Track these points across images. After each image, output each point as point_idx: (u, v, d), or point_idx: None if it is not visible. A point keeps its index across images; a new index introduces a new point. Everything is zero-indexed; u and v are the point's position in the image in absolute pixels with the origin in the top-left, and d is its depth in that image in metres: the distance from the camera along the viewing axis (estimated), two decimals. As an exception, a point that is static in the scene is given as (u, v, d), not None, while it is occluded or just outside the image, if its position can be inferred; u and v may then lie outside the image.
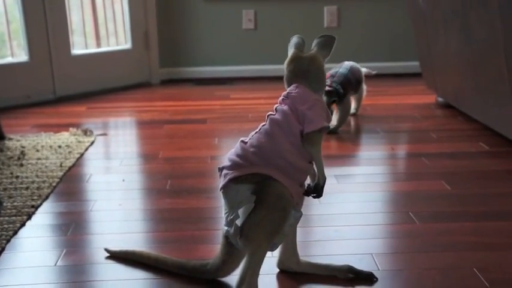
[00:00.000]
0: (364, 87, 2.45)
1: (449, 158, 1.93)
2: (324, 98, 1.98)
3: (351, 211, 1.53)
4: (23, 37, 2.83)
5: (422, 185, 1.69)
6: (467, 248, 1.30)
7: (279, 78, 3.37)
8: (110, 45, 3.27)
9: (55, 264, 1.27)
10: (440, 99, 2.65)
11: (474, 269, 1.20)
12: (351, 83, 2.27)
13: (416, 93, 2.95)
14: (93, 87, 3.10)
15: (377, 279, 1.17)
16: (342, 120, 2.21)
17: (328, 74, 2.13)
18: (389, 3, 3.37)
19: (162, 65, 3.41)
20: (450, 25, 2.19)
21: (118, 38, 3.29)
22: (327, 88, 2.07)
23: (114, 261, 1.28)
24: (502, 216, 1.46)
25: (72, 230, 1.44)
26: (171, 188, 1.72)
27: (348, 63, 2.34)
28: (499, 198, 1.58)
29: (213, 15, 3.40)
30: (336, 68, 2.30)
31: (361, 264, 1.22)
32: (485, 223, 1.43)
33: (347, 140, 2.16)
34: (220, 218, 1.46)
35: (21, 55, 2.88)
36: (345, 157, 2.04)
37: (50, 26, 2.87)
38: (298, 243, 1.22)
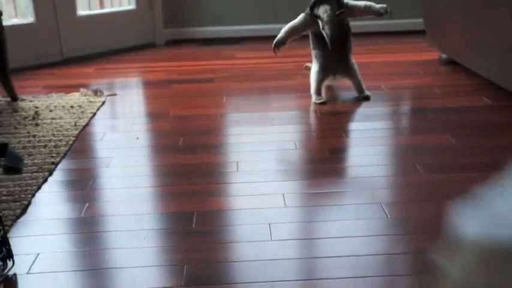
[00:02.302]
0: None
1: (454, 113, 1.98)
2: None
3: (360, 164, 1.60)
4: (29, -1, 2.83)
5: (427, 139, 1.75)
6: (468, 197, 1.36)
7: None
8: (114, 6, 3.26)
9: (80, 216, 1.34)
10: (443, 55, 2.68)
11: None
12: None
13: (419, 50, 2.97)
14: (99, 48, 3.12)
15: None
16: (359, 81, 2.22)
17: None
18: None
19: (166, 26, 3.41)
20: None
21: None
22: None
23: (135, 213, 1.35)
24: (502, 167, 1.52)
25: (92, 184, 1.51)
26: (183, 145, 1.77)
27: None
28: (501, 149, 1.64)
29: (217, -26, 3.38)
30: None
31: (371, 213, 1.29)
32: (488, 173, 1.49)
33: (353, 97, 2.20)
34: (229, 172, 1.53)
35: (26, 16, 2.89)
36: (352, 113, 2.09)
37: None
38: (307, 195, 1.28)
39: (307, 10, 2.12)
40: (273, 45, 2.13)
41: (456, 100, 2.11)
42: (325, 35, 2.05)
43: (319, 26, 2.08)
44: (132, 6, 3.26)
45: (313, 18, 2.09)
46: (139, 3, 3.26)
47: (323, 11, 2.05)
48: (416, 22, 3.21)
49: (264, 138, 1.81)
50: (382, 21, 3.34)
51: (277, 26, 3.37)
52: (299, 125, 1.99)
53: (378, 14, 2.13)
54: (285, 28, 2.15)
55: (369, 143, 1.75)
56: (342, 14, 2.07)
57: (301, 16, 2.14)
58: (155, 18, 3.34)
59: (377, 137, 1.81)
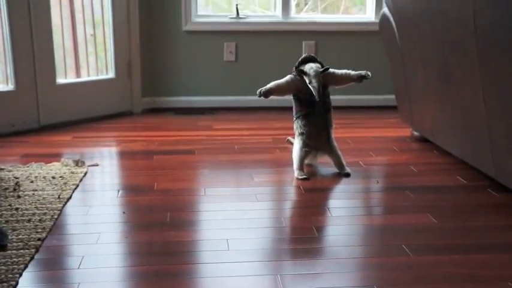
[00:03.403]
0: None
1: (431, 192, 2.06)
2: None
3: (349, 243, 1.63)
4: (10, 66, 2.84)
5: (410, 218, 1.81)
6: (457, 280, 1.41)
7: (258, 109, 3.52)
8: (90, 75, 3.29)
9: (73, 298, 1.31)
10: (415, 133, 2.80)
11: (469, 299, 1.31)
12: None
13: (391, 126, 3.10)
14: (76, 116, 3.13)
15: None
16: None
17: None
18: (365, 38, 3.54)
19: (144, 95, 3.46)
20: (429, 65, 2.34)
21: (98, 68, 3.33)
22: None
23: (130, 295, 1.33)
24: (486, 249, 1.59)
25: (82, 263, 1.48)
26: (171, 221, 1.77)
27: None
28: (480, 231, 1.71)
29: (195, 47, 3.49)
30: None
31: (367, 296, 1.31)
32: (472, 256, 1.55)
33: (333, 173, 2.26)
34: (223, 251, 1.53)
35: (5, 83, 2.89)
36: (334, 190, 2.15)
37: (37, 55, 2.90)
38: (302, 277, 1.30)
39: (293, 71, 2.22)
40: (258, 94, 2.16)
41: (432, 179, 2.20)
42: (311, 88, 2.14)
43: (302, 87, 2.17)
44: (111, 75, 3.30)
45: (298, 77, 2.18)
46: (119, 73, 3.31)
47: (309, 67, 2.17)
48: (388, 98, 3.37)
49: (252, 215, 1.83)
50: (357, 96, 3.50)
51: (251, 98, 3.52)
52: (285, 202, 2.03)
53: (358, 80, 2.23)
54: (272, 83, 2.21)
55: (355, 221, 1.80)
56: (325, 71, 2.17)
57: (286, 77, 2.23)
58: (133, 87, 3.39)
59: (362, 215, 1.87)
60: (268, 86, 2.19)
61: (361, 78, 2.23)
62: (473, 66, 1.91)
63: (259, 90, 2.17)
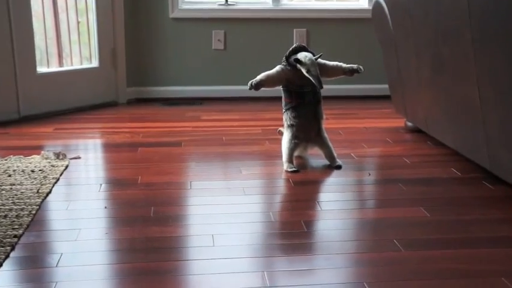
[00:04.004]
0: None
1: (424, 184, 2.04)
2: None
3: (339, 238, 1.61)
4: (-12, 55, 2.79)
5: (402, 212, 1.79)
6: (450, 276, 1.39)
7: (248, 99, 3.50)
8: (74, 64, 3.25)
9: (50, 298, 1.28)
10: (409, 123, 2.78)
11: (461, 296, 1.29)
12: None
13: (384, 116, 3.08)
14: (58, 107, 3.08)
15: None
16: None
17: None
18: (358, 26, 3.51)
19: (129, 85, 3.42)
20: (422, 55, 2.32)
21: (82, 57, 3.28)
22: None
23: (110, 294, 1.30)
24: (480, 244, 1.57)
25: (60, 261, 1.45)
26: (155, 216, 1.74)
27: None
28: (473, 225, 1.69)
29: (182, 35, 3.45)
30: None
31: (356, 293, 1.29)
32: (465, 250, 1.53)
33: (323, 166, 2.24)
34: (208, 247, 1.50)
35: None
36: (324, 183, 2.13)
37: (16, 43, 2.84)
38: (289, 273, 1.27)
39: (283, 61, 2.17)
40: (249, 86, 2.13)
41: (426, 171, 2.19)
42: (310, 77, 2.08)
43: (293, 78, 2.13)
44: (94, 64, 3.26)
45: (289, 68, 2.14)
46: (103, 62, 3.27)
47: (303, 56, 2.11)
48: (382, 88, 3.35)
49: (239, 209, 1.80)
50: (349, 86, 3.48)
51: (240, 87, 3.49)
52: (273, 195, 2.00)
53: (349, 73, 2.21)
54: (262, 74, 2.17)
55: (345, 215, 1.78)
56: (318, 58, 2.14)
57: (276, 67, 2.19)
58: (118, 77, 3.35)
59: (352, 209, 1.84)
60: (259, 77, 2.15)
61: (352, 71, 2.21)
62: (468, 56, 1.89)
63: (250, 82, 2.13)
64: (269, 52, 3.38)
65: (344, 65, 2.22)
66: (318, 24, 3.51)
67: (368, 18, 2.96)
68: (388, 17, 2.58)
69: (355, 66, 2.21)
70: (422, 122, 2.55)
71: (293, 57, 2.13)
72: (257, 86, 2.13)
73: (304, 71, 2.10)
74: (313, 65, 2.10)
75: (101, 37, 3.22)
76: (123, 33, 3.30)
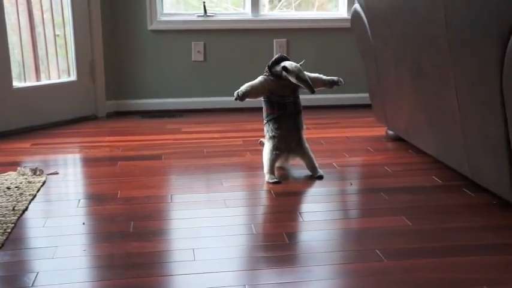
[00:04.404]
0: None
1: (406, 193, 2.05)
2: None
3: (320, 250, 1.61)
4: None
5: (384, 221, 1.79)
6: (434, 285, 1.40)
7: (228, 110, 3.50)
8: (52, 78, 3.22)
9: (25, 319, 1.26)
10: (390, 132, 2.80)
11: (444, 305, 1.29)
12: None
13: (366, 125, 3.10)
14: (36, 122, 3.05)
15: None
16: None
17: None
18: (338, 36, 3.54)
19: (108, 98, 3.40)
20: (401, 64, 2.34)
21: (60, 70, 3.25)
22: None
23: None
24: (463, 252, 1.58)
25: (35, 280, 1.42)
26: (135, 231, 1.72)
27: None
28: (456, 233, 1.70)
29: (162, 47, 3.44)
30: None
31: (338, 305, 1.29)
32: (448, 259, 1.54)
33: (305, 176, 2.24)
34: (189, 261, 1.49)
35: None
36: (306, 194, 2.13)
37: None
38: (269, 286, 1.26)
39: (266, 71, 2.18)
40: (235, 96, 2.13)
41: (407, 179, 2.20)
42: (300, 83, 2.10)
43: (275, 88, 2.14)
44: (72, 77, 3.23)
45: (272, 78, 2.15)
46: (81, 75, 3.24)
47: (289, 64, 2.12)
48: (363, 96, 3.37)
49: (220, 222, 1.79)
50: (331, 95, 3.49)
51: (220, 99, 3.49)
52: (255, 207, 1.99)
53: (329, 85, 2.23)
54: (246, 85, 2.17)
55: (327, 226, 1.78)
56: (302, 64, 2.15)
57: (259, 78, 2.19)
58: (97, 90, 3.33)
59: (334, 219, 1.84)
60: (244, 88, 2.15)
61: (332, 83, 2.23)
62: (446, 64, 1.91)
63: (236, 92, 2.13)
64: (249, 63, 3.40)
65: (324, 77, 2.24)
66: (298, 34, 3.53)
67: (348, 28, 2.98)
68: (367, 26, 2.60)
69: (335, 78, 2.23)
70: (403, 130, 2.57)
71: (276, 67, 2.14)
72: (243, 97, 2.14)
73: (293, 78, 2.11)
74: (300, 71, 2.12)
75: (78, 50, 3.21)
76: (102, 45, 3.29)
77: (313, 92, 2.11)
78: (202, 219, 1.82)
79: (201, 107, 3.51)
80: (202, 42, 3.46)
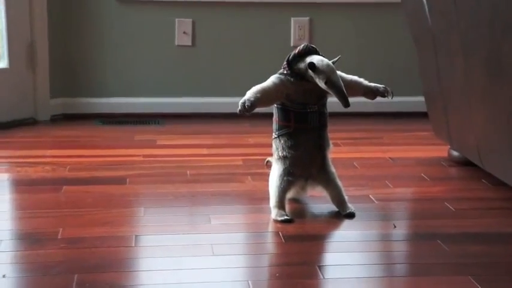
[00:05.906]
0: None
1: (476, 243, 2.02)
2: None
3: (348, 323, 1.57)
4: None
5: (443, 283, 1.76)
6: None
7: (224, 116, 3.50)
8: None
9: None
10: (454, 152, 2.78)
11: None
12: None
13: (419, 142, 3.14)
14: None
15: None
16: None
17: None
18: (379, 15, 3.54)
19: (54, 95, 3.42)
20: (473, 54, 2.32)
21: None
22: None
23: None
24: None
25: None
26: (80, 288, 1.70)
27: None
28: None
29: (133, 25, 3.47)
30: None
31: None
32: None
33: (329, 212, 2.23)
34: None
35: None
36: (329, 239, 2.12)
37: None
38: None
39: (284, 67, 2.15)
40: (241, 107, 2.09)
41: (478, 222, 2.18)
42: (331, 90, 2.07)
43: (296, 93, 2.12)
44: (2, 64, 3.25)
45: (291, 78, 2.12)
46: (15, 62, 3.26)
47: (318, 60, 2.08)
48: (416, 101, 3.34)
49: (203, 277, 1.77)
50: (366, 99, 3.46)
51: (214, 99, 3.49)
52: (255, 256, 1.98)
53: (371, 95, 2.21)
54: (254, 89, 2.14)
55: (358, 287, 1.74)
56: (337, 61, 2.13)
57: (272, 78, 2.16)
58: (38, 84, 3.36)
59: (369, 278, 1.81)
60: (252, 94, 2.11)
61: (376, 93, 2.21)
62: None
63: (241, 102, 2.09)
64: (256, 52, 3.39)
65: (366, 83, 2.22)
66: (324, 10, 3.55)
67: (396, 3, 2.98)
68: (425, 2, 2.59)
69: (380, 87, 2.20)
70: (473, 151, 2.54)
71: (299, 63, 2.11)
72: (251, 108, 2.09)
73: (321, 81, 2.08)
74: (333, 72, 2.08)
75: (12, 27, 3.22)
76: (46, 22, 3.32)
77: (347, 105, 2.07)
78: (179, 271, 1.80)
79: (185, 111, 3.53)
80: (190, 20, 3.49)
